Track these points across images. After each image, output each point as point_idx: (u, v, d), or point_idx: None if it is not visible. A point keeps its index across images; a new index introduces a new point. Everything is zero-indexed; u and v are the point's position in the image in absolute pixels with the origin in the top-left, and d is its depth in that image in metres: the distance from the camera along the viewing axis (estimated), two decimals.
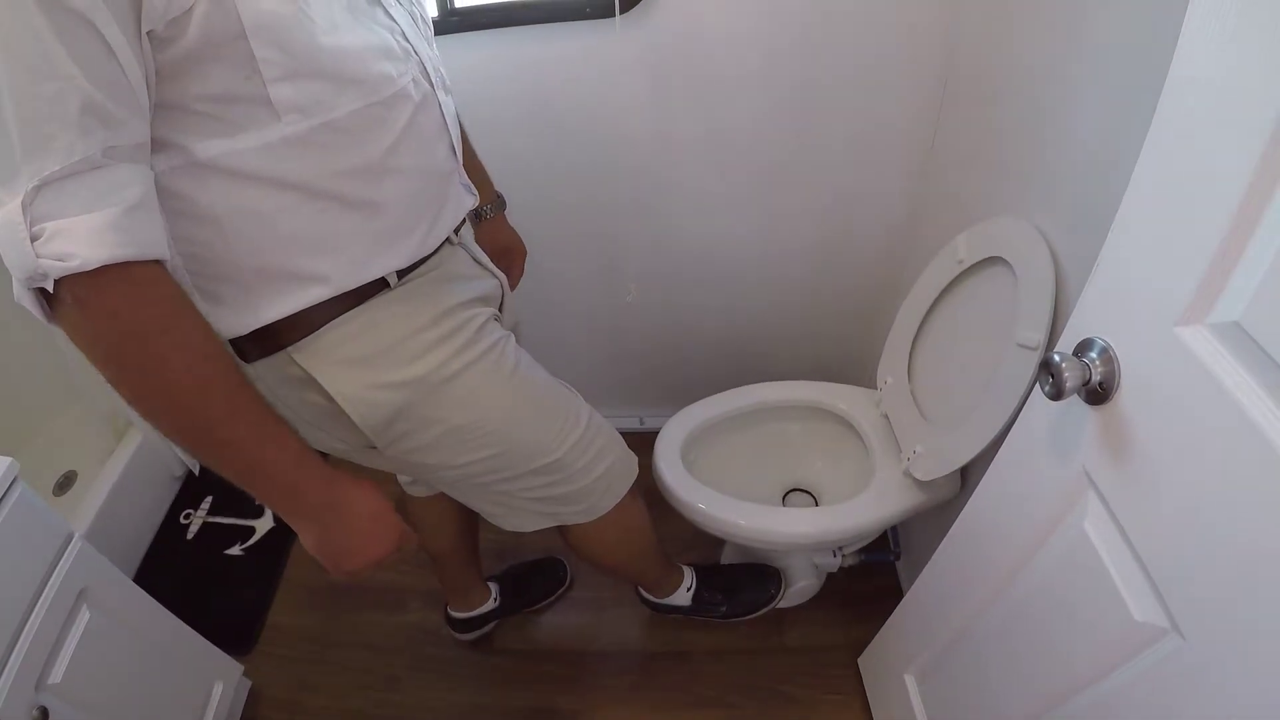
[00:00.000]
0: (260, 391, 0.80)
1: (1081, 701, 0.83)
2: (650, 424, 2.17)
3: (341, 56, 0.75)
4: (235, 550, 2.03)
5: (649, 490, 1.39)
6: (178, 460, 2.17)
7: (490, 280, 1.10)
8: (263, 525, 2.09)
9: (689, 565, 1.67)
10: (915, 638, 1.32)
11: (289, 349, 0.85)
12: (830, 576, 1.75)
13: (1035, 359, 1.04)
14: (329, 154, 0.77)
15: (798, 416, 1.67)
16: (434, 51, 0.93)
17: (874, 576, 1.81)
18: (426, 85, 0.88)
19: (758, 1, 1.38)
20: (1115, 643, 0.76)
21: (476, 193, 1.05)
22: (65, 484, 2.02)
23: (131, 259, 0.63)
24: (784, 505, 1.66)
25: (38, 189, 0.59)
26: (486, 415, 1.00)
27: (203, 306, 0.79)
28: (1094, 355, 0.72)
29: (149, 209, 0.66)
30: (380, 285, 0.88)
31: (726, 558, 1.83)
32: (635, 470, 1.26)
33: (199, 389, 0.70)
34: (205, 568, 1.99)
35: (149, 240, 0.65)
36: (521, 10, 1.45)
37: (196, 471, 2.21)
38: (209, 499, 2.16)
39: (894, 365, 1.50)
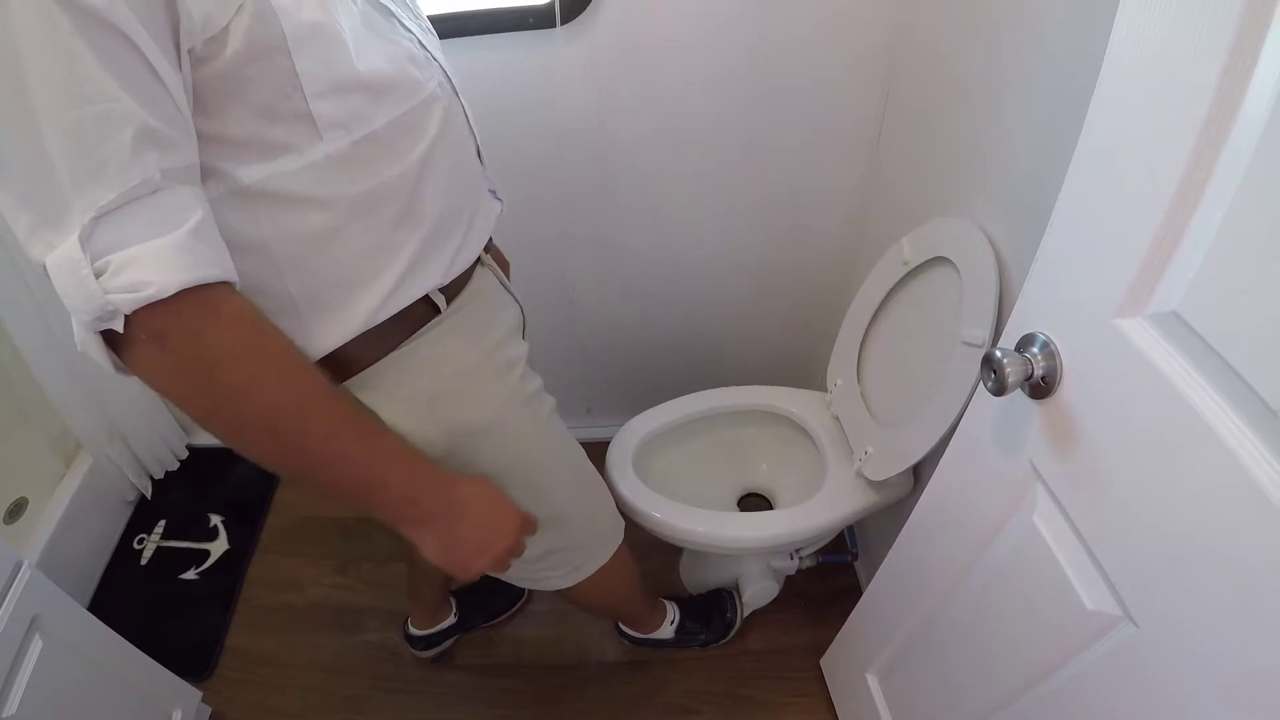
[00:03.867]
0: None
1: (1042, 691, 0.84)
2: (601, 432, 2.16)
3: (377, 66, 0.73)
4: (190, 575, 1.98)
5: None
6: (130, 485, 2.11)
7: (515, 306, 1.07)
8: (217, 549, 2.04)
9: (670, 600, 1.69)
10: (875, 636, 1.33)
11: (348, 383, 0.84)
12: (789, 579, 1.76)
13: (981, 356, 1.06)
14: (371, 167, 0.75)
15: (749, 421, 1.67)
16: (434, 43, 0.90)
17: (833, 577, 1.83)
18: (450, 89, 0.86)
19: (701, 11, 1.39)
20: (1070, 632, 0.77)
21: (502, 197, 1.02)
22: (16, 511, 1.96)
23: (207, 280, 0.60)
24: (739, 510, 1.67)
25: (95, 221, 0.55)
26: (526, 461, 0.99)
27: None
28: (1035, 350, 0.73)
29: (212, 230, 0.63)
30: (431, 312, 0.86)
31: (683, 565, 1.83)
32: (619, 534, 1.26)
33: (299, 405, 0.68)
34: (160, 593, 1.94)
35: (219, 260, 0.62)
36: (467, 20, 1.43)
37: (149, 495, 2.16)
38: (162, 523, 2.11)
39: (843, 367, 1.51)
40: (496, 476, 0.93)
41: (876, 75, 1.47)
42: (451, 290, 0.89)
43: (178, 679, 1.52)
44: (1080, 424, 0.71)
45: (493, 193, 0.99)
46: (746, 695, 1.64)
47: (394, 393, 0.85)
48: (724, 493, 1.68)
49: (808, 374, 2.04)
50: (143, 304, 0.57)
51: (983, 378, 0.74)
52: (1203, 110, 0.54)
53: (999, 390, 0.72)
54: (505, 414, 0.95)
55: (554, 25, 1.39)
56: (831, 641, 1.56)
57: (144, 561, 2.02)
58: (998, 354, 0.72)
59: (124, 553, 2.05)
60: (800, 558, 1.64)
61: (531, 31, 1.42)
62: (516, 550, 0.89)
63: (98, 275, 0.56)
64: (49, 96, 0.52)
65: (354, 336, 0.79)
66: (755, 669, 1.69)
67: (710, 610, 1.71)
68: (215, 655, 1.79)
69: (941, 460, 0.99)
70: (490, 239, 0.98)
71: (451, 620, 1.71)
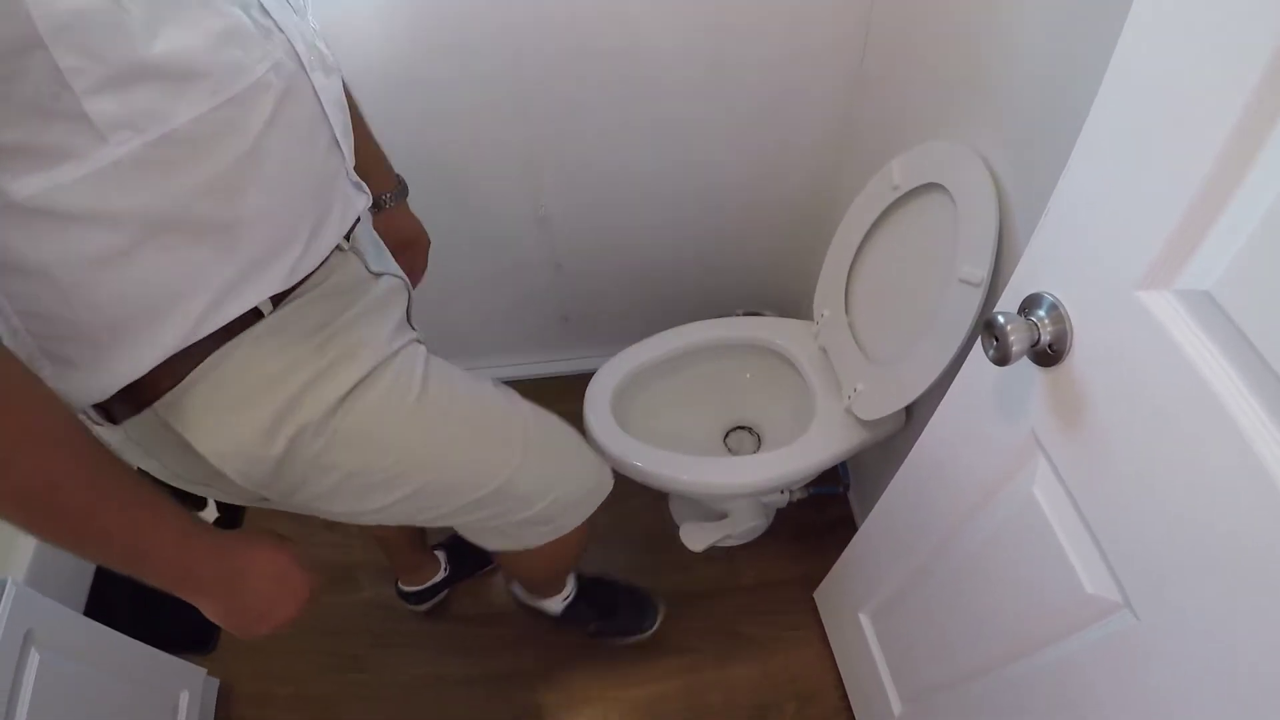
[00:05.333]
0: (136, 456, 0.73)
1: (1033, 662, 0.81)
2: (581, 364, 2.09)
3: (174, 49, 0.59)
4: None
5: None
6: None
7: (391, 281, 0.94)
8: (208, 517, 1.98)
9: (576, 576, 1.59)
10: (867, 579, 1.30)
11: (155, 405, 0.73)
12: (780, 510, 1.73)
13: (979, 295, 0.99)
14: (172, 174, 0.63)
15: (733, 354, 1.61)
16: (309, 21, 0.77)
17: (825, 508, 1.80)
18: (294, 67, 0.71)
19: None
20: (1066, 613, 0.73)
21: (368, 190, 0.89)
22: None
23: None
24: (726, 445, 1.62)
25: None
26: (387, 455, 0.88)
27: (50, 371, 0.68)
28: (1042, 313, 0.65)
29: None
30: (253, 316, 0.75)
31: (672, 503, 1.79)
32: (604, 485, 1.15)
33: (49, 488, 0.58)
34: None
35: None
36: None
37: None
38: None
39: (830, 297, 1.43)
40: (366, 471, 0.86)
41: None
42: (284, 294, 0.77)
43: (181, 662, 1.50)
44: (1089, 398, 0.64)
45: (357, 185, 0.86)
46: (742, 631, 1.63)
47: (201, 408, 0.75)
48: (710, 428, 1.63)
49: (793, 303, 1.96)
50: None
51: (983, 345, 0.66)
52: (1240, 104, 0.46)
53: (1002, 360, 0.65)
54: (344, 407, 0.83)
55: None
56: (825, 573, 1.54)
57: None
58: (1000, 319, 0.64)
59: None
60: (791, 492, 1.60)
61: None
62: (300, 615, 0.81)
63: None
64: None
65: (165, 360, 0.70)
66: (750, 603, 1.67)
67: (618, 607, 1.64)
68: (216, 630, 1.76)
69: (936, 412, 0.93)
70: (414, 218, 0.90)
71: (442, 574, 1.69)
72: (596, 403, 1.44)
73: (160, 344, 0.69)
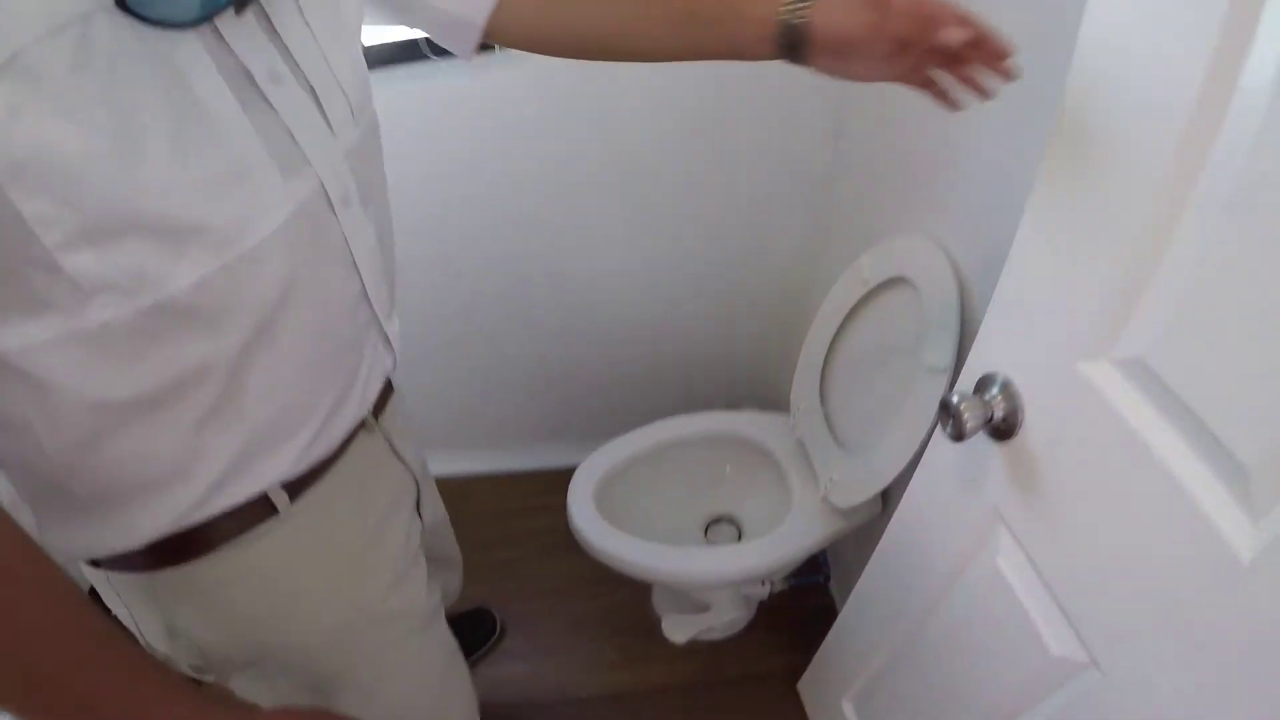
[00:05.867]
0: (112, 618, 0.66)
1: None
2: (565, 459, 2.12)
3: (163, 197, 0.50)
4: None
5: (567, 533, 1.36)
6: None
7: (401, 471, 0.87)
8: None
9: None
10: (849, 665, 1.30)
11: (155, 575, 0.68)
12: (762, 602, 1.73)
13: (944, 380, 1.04)
14: (168, 348, 0.55)
15: (713, 447, 1.64)
16: (346, 138, 0.65)
17: (806, 598, 1.80)
18: (320, 209, 0.63)
19: None
20: (1036, 676, 0.75)
21: (396, 346, 0.81)
22: None
23: None
24: (706, 537, 1.64)
25: None
26: (358, 672, 0.82)
27: (29, 520, 0.59)
28: (995, 392, 0.70)
29: None
30: (267, 510, 0.69)
31: (655, 595, 1.79)
32: None
33: (23, 688, 0.51)
34: None
35: None
36: (403, 50, 1.40)
37: None
38: None
39: (806, 390, 1.48)
40: (312, 677, 0.80)
41: (833, 86, 1.45)
42: (306, 480, 0.71)
43: None
44: (1043, 468, 0.68)
45: (387, 341, 0.79)
46: None
47: (205, 601, 0.70)
48: (691, 520, 1.65)
49: (771, 396, 2.01)
50: None
51: (940, 423, 0.71)
52: (1157, 183, 0.52)
53: (958, 436, 0.69)
54: (341, 636, 0.79)
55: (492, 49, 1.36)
56: (807, 665, 1.53)
57: None
58: (954, 399, 0.69)
59: None
60: (772, 582, 1.61)
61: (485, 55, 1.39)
62: None
63: None
64: None
65: (159, 539, 0.64)
66: (733, 697, 1.65)
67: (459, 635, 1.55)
68: None
69: (905, 495, 0.97)
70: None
71: None
72: (580, 496, 1.47)
73: (153, 524, 0.63)
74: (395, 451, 0.85)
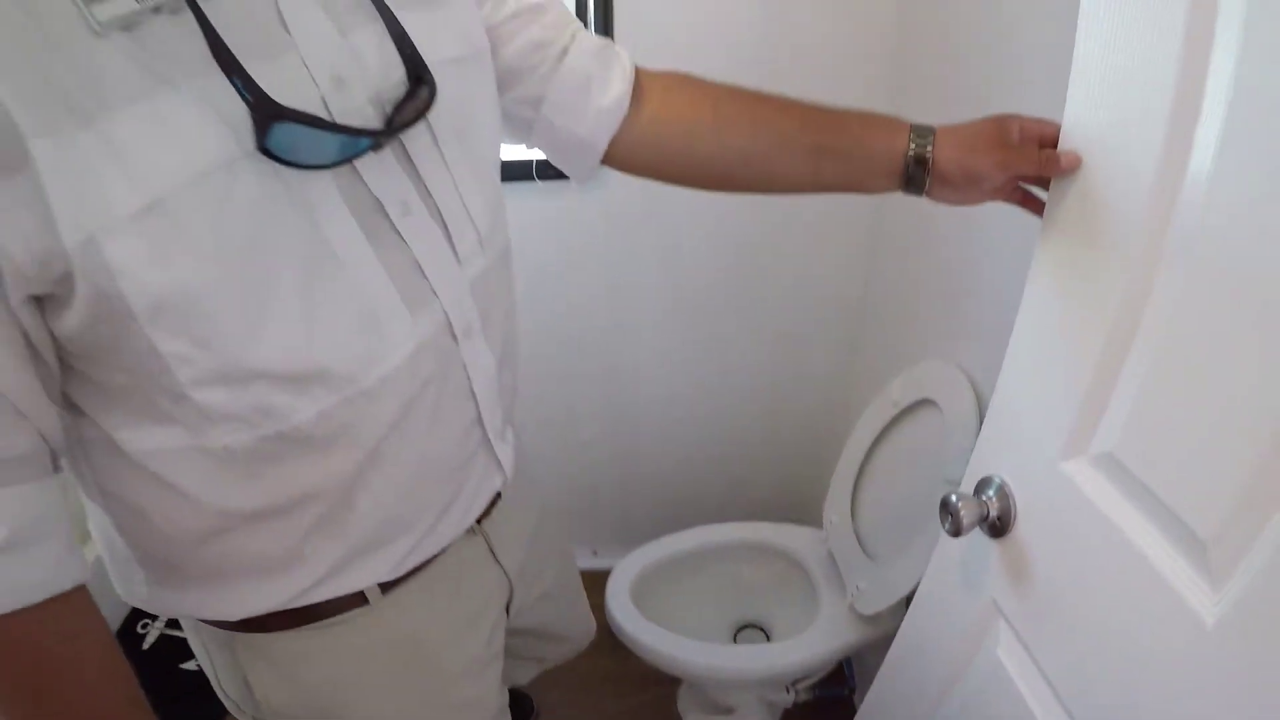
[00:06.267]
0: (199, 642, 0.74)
1: None
2: (603, 561, 2.20)
3: (295, 345, 0.54)
4: (191, 665, 1.96)
5: (603, 627, 1.41)
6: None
7: (497, 574, 0.87)
8: None
9: None
10: None
11: (233, 634, 0.72)
12: (786, 712, 1.74)
13: None
14: (285, 469, 0.58)
15: (746, 557, 1.71)
16: (473, 269, 0.68)
17: (831, 710, 1.81)
18: (445, 342, 0.65)
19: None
20: None
21: (508, 468, 0.81)
22: None
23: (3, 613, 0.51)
24: (735, 642, 1.68)
25: None
26: None
27: (142, 579, 0.67)
28: (991, 493, 0.78)
29: (28, 543, 0.51)
30: (357, 600, 0.71)
31: (680, 697, 1.82)
32: None
33: None
34: (160, 681, 1.91)
35: (27, 587, 0.52)
36: (508, 170, 1.58)
37: None
38: None
39: (838, 504, 1.56)
40: None
41: (863, 228, 1.60)
42: (398, 579, 0.73)
43: None
44: (1035, 561, 0.75)
45: (499, 462, 0.79)
46: None
47: (279, 666, 0.72)
48: (721, 624, 1.70)
49: (805, 509, 2.08)
50: None
51: (940, 519, 0.79)
52: (1122, 279, 0.62)
53: (955, 531, 0.77)
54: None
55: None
56: None
57: (146, 647, 2.02)
58: (953, 498, 0.77)
59: (127, 636, 2.03)
60: (797, 691, 1.64)
61: (545, 182, 1.56)
62: None
63: None
64: None
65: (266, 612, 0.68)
66: None
67: None
68: None
69: (915, 595, 1.03)
70: (972, 131, 0.72)
71: None
72: (618, 589, 1.55)
73: (253, 604, 0.67)
74: (494, 555, 0.85)
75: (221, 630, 0.71)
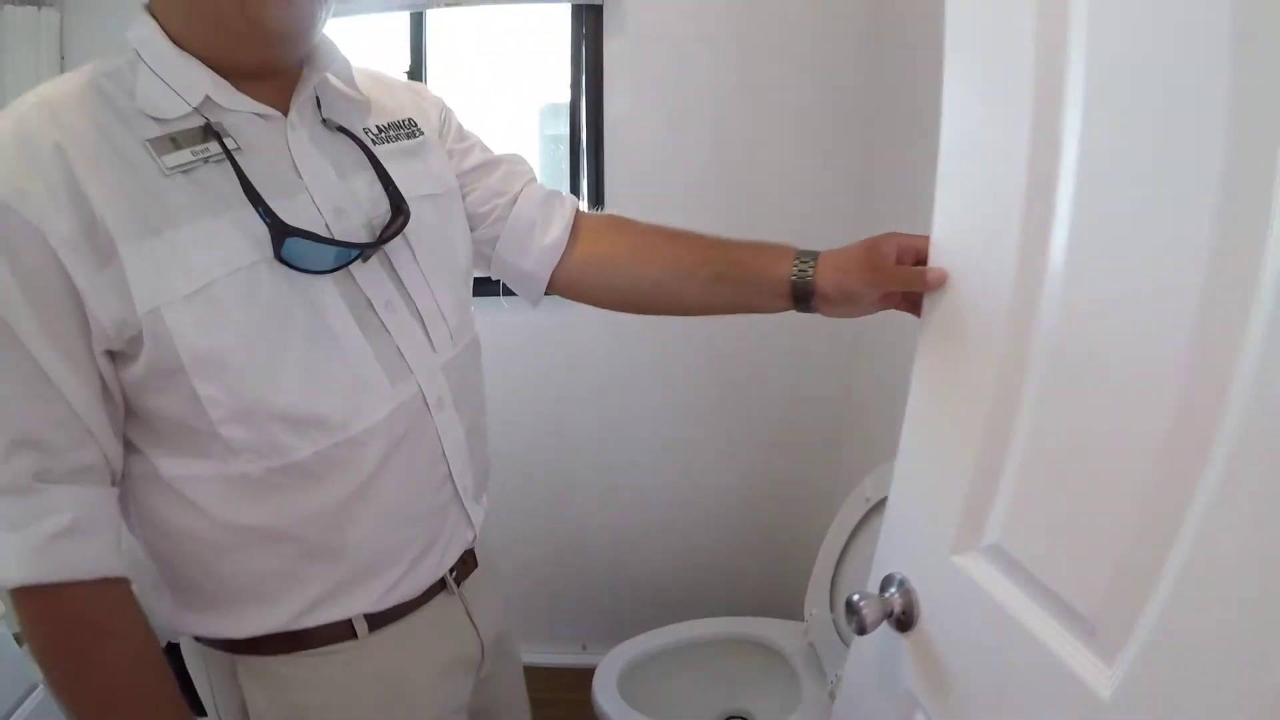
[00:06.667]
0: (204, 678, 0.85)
1: None
2: (592, 657, 2.24)
3: (299, 399, 0.70)
4: None
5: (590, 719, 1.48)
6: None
7: (472, 635, 0.95)
8: None
9: None
10: None
11: (236, 656, 0.82)
12: None
13: None
14: (288, 496, 0.73)
15: (731, 650, 1.76)
16: (445, 355, 0.85)
17: None
18: (418, 408, 0.81)
19: None
20: None
21: (477, 525, 0.93)
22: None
23: (47, 581, 0.65)
24: None
25: None
26: None
27: (169, 602, 0.80)
28: (894, 590, 0.82)
29: (85, 533, 0.66)
30: (347, 632, 0.82)
31: None
32: None
33: (107, 715, 0.71)
34: None
35: (80, 565, 0.66)
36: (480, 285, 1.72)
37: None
38: None
39: (818, 598, 1.61)
40: None
41: (843, 340, 1.71)
42: (387, 617, 0.83)
43: None
44: (943, 652, 0.78)
45: (469, 519, 0.92)
46: None
47: (274, 689, 0.82)
48: (706, 715, 1.73)
49: (790, 601, 2.12)
50: None
51: (847, 620, 0.82)
52: (987, 407, 0.69)
53: (861, 630, 0.80)
54: None
55: None
56: None
57: None
58: (855, 597, 0.81)
59: None
60: None
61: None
62: None
63: None
64: None
65: (260, 636, 0.78)
66: None
67: None
68: None
69: (840, 690, 1.06)
70: (847, 253, 0.84)
71: None
72: (604, 682, 1.61)
73: (259, 623, 0.78)
74: (470, 618, 0.94)
75: (225, 655, 0.82)
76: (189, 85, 0.68)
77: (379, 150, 0.83)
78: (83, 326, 0.63)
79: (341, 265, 0.74)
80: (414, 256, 0.83)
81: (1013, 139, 0.65)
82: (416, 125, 0.90)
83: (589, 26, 1.84)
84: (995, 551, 0.71)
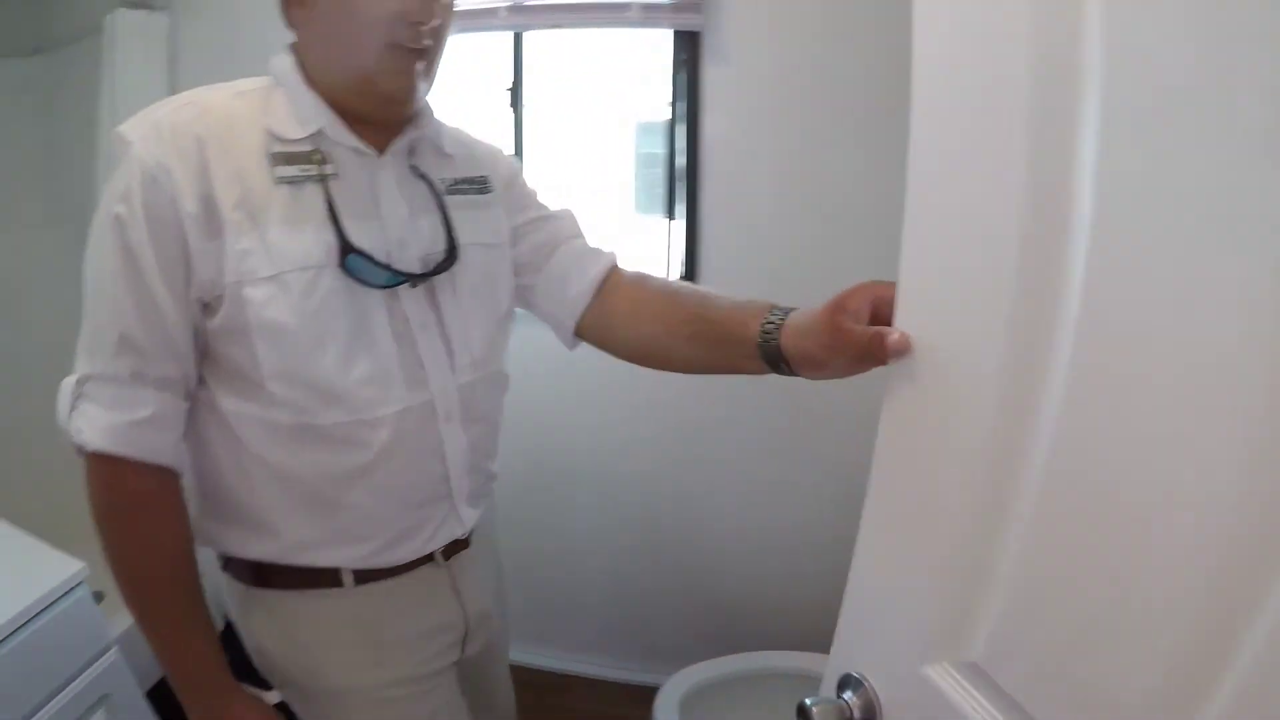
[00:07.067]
0: (223, 604, 0.99)
1: None
2: (653, 676, 2.23)
3: (331, 376, 0.85)
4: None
5: None
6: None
7: (455, 606, 1.05)
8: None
9: None
10: None
11: (254, 588, 0.96)
12: None
13: None
14: (308, 449, 0.87)
15: (800, 686, 1.67)
16: (463, 378, 0.96)
17: None
18: (425, 415, 0.92)
19: None
20: None
21: (467, 523, 1.03)
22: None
23: (125, 456, 0.82)
24: None
25: (85, 378, 0.82)
26: None
27: (212, 526, 0.94)
28: (851, 693, 0.73)
29: (158, 427, 0.84)
30: (334, 580, 0.94)
31: None
32: None
33: (139, 585, 0.87)
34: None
35: (147, 449, 0.83)
36: None
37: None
38: None
39: None
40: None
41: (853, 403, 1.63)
42: (372, 575, 0.95)
43: None
44: None
45: (459, 518, 1.01)
46: None
47: (274, 618, 0.97)
48: None
49: None
50: (77, 446, 0.83)
51: None
52: (966, 516, 0.60)
53: None
54: (343, 700, 0.99)
55: None
56: None
57: None
58: (808, 703, 0.72)
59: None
60: None
61: None
62: None
63: (70, 408, 0.83)
64: (95, 291, 0.82)
65: (265, 563, 0.93)
66: None
67: None
68: None
69: None
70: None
71: None
72: (667, 703, 1.61)
73: (261, 546, 0.92)
74: (456, 590, 1.04)
75: (242, 588, 0.97)
76: (309, 117, 0.86)
77: (450, 199, 0.96)
78: (188, 276, 0.81)
79: (391, 285, 0.88)
80: (454, 290, 0.95)
81: (1005, 154, 0.55)
82: (487, 183, 1.04)
83: (688, 51, 1.87)
84: (975, 671, 0.62)
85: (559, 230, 1.10)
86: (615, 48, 2.03)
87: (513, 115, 2.03)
